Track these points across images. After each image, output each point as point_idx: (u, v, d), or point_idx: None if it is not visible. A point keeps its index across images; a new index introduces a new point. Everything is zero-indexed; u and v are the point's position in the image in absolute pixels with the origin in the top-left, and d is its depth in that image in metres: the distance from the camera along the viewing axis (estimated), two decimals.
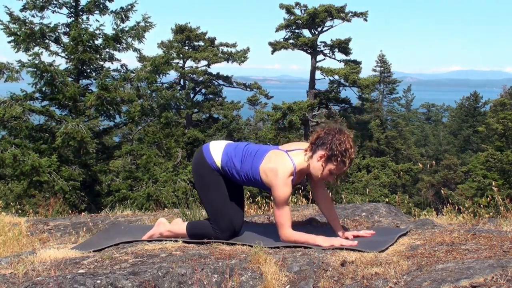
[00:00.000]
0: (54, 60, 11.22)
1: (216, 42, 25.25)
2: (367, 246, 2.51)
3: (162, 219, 3.06)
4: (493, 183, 3.64)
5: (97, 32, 11.58)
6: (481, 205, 4.09)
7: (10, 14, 11.25)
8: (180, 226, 2.96)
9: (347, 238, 2.73)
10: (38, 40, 11.30)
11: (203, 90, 26.26)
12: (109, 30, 12.20)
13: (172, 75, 25.35)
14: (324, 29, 24.29)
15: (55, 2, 11.58)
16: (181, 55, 24.29)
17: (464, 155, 32.85)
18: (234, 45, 25.19)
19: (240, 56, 24.74)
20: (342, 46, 23.83)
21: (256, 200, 4.65)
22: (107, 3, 11.87)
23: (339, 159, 2.61)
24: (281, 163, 2.68)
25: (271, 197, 2.84)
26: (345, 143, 2.61)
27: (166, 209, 5.24)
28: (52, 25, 11.54)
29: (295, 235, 2.68)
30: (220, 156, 2.84)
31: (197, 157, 2.94)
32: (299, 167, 2.70)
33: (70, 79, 11.54)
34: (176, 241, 2.81)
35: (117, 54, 12.91)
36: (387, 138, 31.45)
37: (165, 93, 12.39)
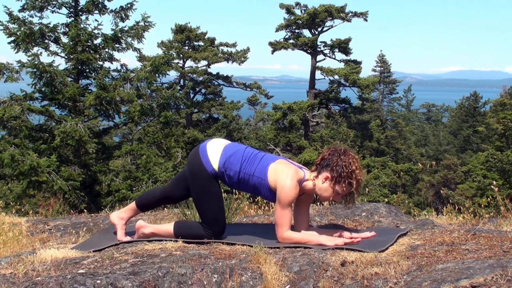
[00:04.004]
0: (53, 60, 11.23)
1: (216, 42, 25.27)
2: (367, 246, 2.51)
3: (140, 223, 2.95)
4: (494, 183, 3.64)
5: (96, 31, 11.59)
6: (481, 205, 4.09)
7: (10, 14, 11.26)
8: (166, 227, 2.89)
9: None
10: (38, 40, 11.30)
11: (203, 90, 26.27)
12: (108, 30, 12.25)
13: (172, 75, 25.37)
14: (324, 29, 24.31)
15: (54, 2, 11.58)
16: (181, 55, 24.31)
17: (464, 155, 32.80)
18: (234, 45, 25.21)
19: (240, 56, 24.76)
20: (342, 46, 23.84)
21: (256, 200, 4.65)
22: (106, 2, 11.89)
23: (346, 180, 2.62)
24: (293, 168, 2.72)
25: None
26: (350, 165, 2.61)
27: (166, 209, 5.24)
28: (51, 25, 11.55)
29: (296, 236, 2.68)
30: (218, 158, 2.78)
31: (194, 159, 2.84)
32: (306, 182, 2.73)
33: (69, 79, 11.54)
34: (176, 241, 2.80)
35: (116, 54, 12.92)
36: (387, 138, 31.42)
37: (165, 92, 12.39)
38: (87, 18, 11.88)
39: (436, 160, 31.31)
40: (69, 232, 3.82)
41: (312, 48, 24.13)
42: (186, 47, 25.02)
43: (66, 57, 11.58)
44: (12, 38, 11.06)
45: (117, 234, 3.01)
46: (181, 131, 22.85)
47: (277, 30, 24.76)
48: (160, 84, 19.20)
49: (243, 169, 2.75)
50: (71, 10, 11.84)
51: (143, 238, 2.92)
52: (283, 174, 2.66)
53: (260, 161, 2.77)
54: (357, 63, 24.05)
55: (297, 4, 24.03)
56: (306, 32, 24.76)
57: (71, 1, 11.75)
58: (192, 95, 25.74)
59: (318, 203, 4.10)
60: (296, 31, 24.68)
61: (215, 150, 2.83)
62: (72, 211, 6.47)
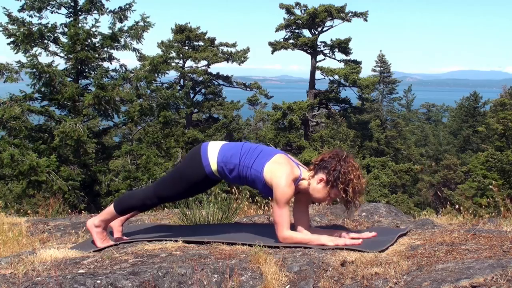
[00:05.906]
0: (53, 61, 11.25)
1: (216, 42, 25.28)
2: (367, 246, 2.50)
3: (90, 220, 2.98)
4: (493, 183, 3.64)
5: (94, 30, 11.59)
6: (481, 205, 4.09)
7: (9, 15, 11.26)
8: (107, 209, 2.95)
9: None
10: (37, 41, 11.31)
11: (203, 90, 26.28)
12: (107, 30, 12.29)
13: (172, 75, 25.37)
14: (324, 29, 24.32)
15: (53, 2, 11.58)
16: (181, 55, 24.31)
17: (464, 155, 32.79)
18: (234, 45, 25.22)
19: (240, 56, 24.76)
20: (342, 46, 23.85)
21: (256, 200, 4.65)
22: (104, 1, 11.91)
23: (340, 187, 2.58)
24: (289, 166, 2.68)
25: (269, 198, 2.84)
26: (349, 173, 2.56)
27: (166, 209, 5.23)
28: (50, 25, 11.55)
29: (296, 236, 2.67)
30: (216, 155, 2.81)
31: (194, 151, 2.91)
32: (301, 180, 2.70)
33: (69, 79, 11.55)
34: (176, 241, 2.80)
35: (115, 54, 12.97)
36: (387, 138, 31.42)
37: (164, 92, 12.40)
38: (85, 18, 11.91)
39: (436, 160, 31.30)
40: (69, 232, 3.82)
41: (312, 48, 24.14)
42: (186, 47, 25.01)
43: (65, 57, 11.58)
44: (12, 39, 11.07)
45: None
46: (181, 131, 22.85)
47: (277, 30, 24.77)
48: (160, 84, 19.19)
49: (242, 161, 2.76)
50: (70, 10, 11.84)
51: (100, 232, 2.92)
52: (278, 173, 2.64)
53: (258, 155, 2.76)
54: (357, 63, 24.06)
55: (297, 4, 24.04)
56: (306, 32, 24.80)
57: (70, 1, 11.75)
58: (192, 95, 25.74)
59: (318, 203, 4.09)
60: (296, 31, 24.70)
61: (214, 148, 2.86)
62: (71, 211, 6.46)
